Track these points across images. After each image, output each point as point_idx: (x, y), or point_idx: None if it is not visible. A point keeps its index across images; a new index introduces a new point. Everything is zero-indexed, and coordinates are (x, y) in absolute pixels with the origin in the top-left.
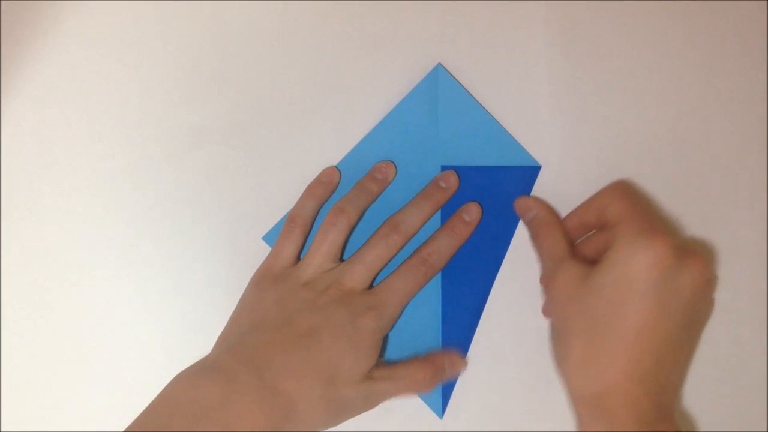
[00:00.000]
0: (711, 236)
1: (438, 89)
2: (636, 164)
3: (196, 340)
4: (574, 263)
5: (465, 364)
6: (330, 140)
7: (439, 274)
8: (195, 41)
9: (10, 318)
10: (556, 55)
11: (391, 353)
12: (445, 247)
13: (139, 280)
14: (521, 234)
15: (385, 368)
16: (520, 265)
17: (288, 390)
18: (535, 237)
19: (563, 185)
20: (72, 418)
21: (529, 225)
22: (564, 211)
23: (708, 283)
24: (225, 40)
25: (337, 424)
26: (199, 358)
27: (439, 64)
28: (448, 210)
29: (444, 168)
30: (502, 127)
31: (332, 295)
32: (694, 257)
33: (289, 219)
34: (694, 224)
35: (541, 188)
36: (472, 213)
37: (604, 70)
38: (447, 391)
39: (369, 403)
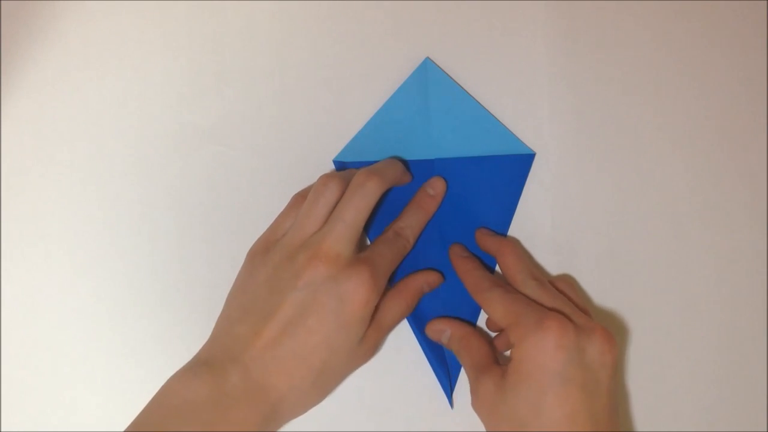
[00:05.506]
0: (711, 236)
1: (428, 82)
2: (635, 162)
3: (197, 340)
4: (488, 373)
5: (442, 278)
6: (322, 138)
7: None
8: (195, 41)
9: (10, 318)
10: (553, 47)
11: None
12: (415, 221)
13: (139, 280)
14: (518, 223)
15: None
16: None
17: (278, 386)
18: (456, 354)
19: (561, 175)
20: (72, 418)
21: (448, 345)
22: (562, 201)
23: (616, 355)
24: (225, 40)
25: (333, 390)
26: None
27: (427, 58)
28: (444, 205)
29: (438, 161)
30: (494, 116)
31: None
32: (594, 330)
33: (298, 194)
34: (694, 224)
35: (537, 178)
36: (436, 187)
37: (602, 62)
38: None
39: (363, 360)
